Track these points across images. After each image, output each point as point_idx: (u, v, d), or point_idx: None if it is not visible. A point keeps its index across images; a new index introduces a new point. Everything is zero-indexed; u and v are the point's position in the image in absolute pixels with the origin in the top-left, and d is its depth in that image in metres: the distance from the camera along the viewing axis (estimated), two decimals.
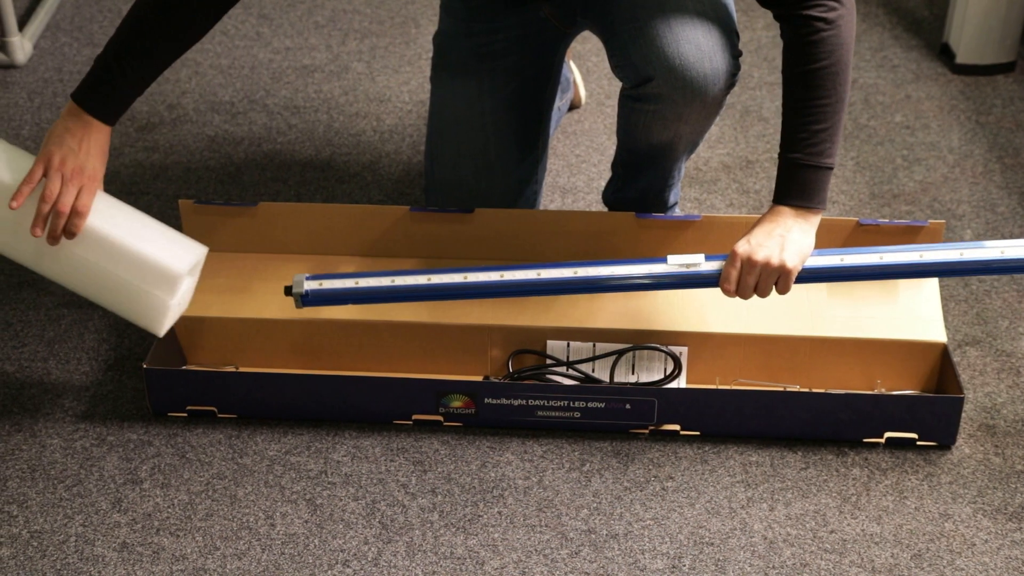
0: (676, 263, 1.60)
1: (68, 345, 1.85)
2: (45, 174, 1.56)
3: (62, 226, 1.55)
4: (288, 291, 1.65)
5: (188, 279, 1.66)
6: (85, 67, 2.48)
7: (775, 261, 1.56)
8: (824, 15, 1.54)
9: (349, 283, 1.64)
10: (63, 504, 1.61)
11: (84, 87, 1.61)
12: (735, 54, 1.68)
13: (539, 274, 1.62)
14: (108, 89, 1.60)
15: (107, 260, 1.62)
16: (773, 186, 2.14)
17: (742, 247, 1.57)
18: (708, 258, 1.60)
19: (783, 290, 1.59)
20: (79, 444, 1.69)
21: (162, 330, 1.66)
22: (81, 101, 1.60)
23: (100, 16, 2.67)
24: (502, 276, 1.62)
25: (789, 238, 1.57)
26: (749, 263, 1.57)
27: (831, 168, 1.59)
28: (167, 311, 1.64)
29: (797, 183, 1.58)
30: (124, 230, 1.63)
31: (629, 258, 1.63)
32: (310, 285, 1.65)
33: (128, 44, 1.61)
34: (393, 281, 1.63)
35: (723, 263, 1.59)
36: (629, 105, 1.75)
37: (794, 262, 1.57)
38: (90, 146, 1.59)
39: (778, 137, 2.26)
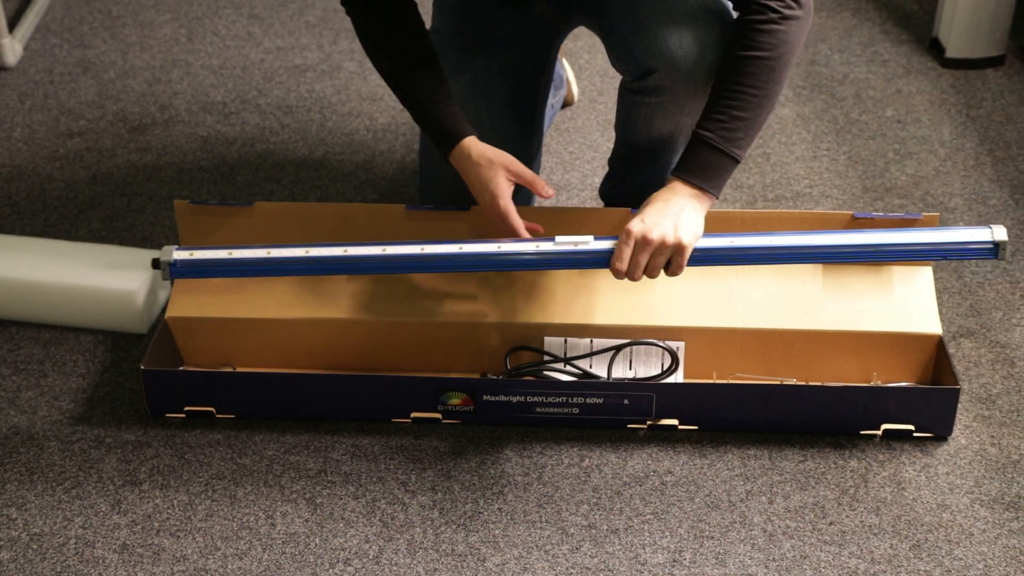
0: (565, 241, 1.58)
1: (64, 347, 1.85)
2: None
3: None
4: (156, 264, 1.62)
5: (146, 284, 1.84)
6: (76, 68, 2.49)
7: (670, 239, 1.53)
8: (782, 9, 1.55)
9: (222, 254, 1.61)
10: (62, 506, 1.61)
11: (448, 136, 1.66)
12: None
13: (423, 249, 1.60)
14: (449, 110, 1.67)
15: (64, 306, 1.84)
16: (764, 181, 2.16)
17: (636, 226, 1.54)
18: (597, 239, 1.58)
19: (675, 271, 1.56)
20: (77, 446, 1.69)
21: (146, 327, 1.84)
22: (456, 140, 1.65)
23: (90, 17, 2.66)
24: (384, 251, 1.60)
25: (683, 216, 1.54)
26: (644, 241, 1.53)
27: (737, 161, 1.57)
28: (140, 313, 1.82)
29: (701, 161, 1.56)
30: (63, 274, 1.84)
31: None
32: (180, 255, 1.61)
33: (411, 78, 1.67)
34: (269, 253, 1.60)
35: (614, 243, 1.56)
36: (630, 98, 1.75)
37: (689, 240, 1.54)
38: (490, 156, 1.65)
39: (771, 133, 2.29)
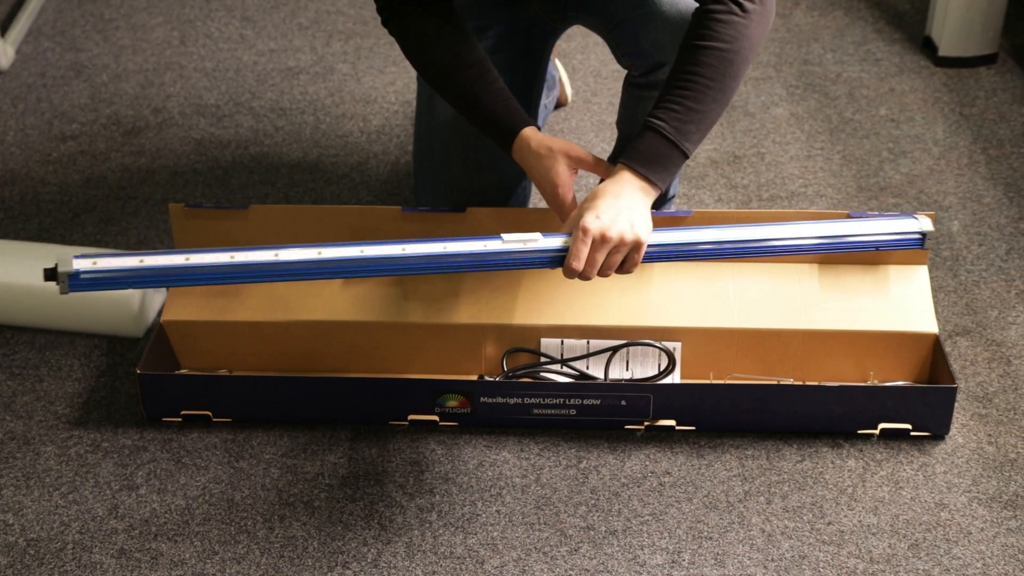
0: (513, 239, 1.49)
1: (60, 352, 1.85)
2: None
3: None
4: (51, 275, 1.36)
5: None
6: (69, 72, 2.48)
7: (629, 237, 1.47)
8: (743, 2, 1.51)
9: (132, 261, 1.38)
10: (59, 511, 1.60)
11: (507, 130, 1.62)
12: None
13: (362, 251, 1.46)
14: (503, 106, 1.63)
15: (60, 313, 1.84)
16: (759, 181, 2.16)
17: (593, 223, 1.46)
18: (547, 236, 1.50)
19: (630, 269, 1.50)
20: (74, 451, 1.69)
21: (141, 331, 1.84)
22: (515, 132, 1.61)
23: (82, 20, 2.66)
24: (319, 254, 1.45)
25: (635, 210, 1.49)
26: (602, 239, 1.46)
27: (686, 156, 1.52)
28: (136, 317, 1.82)
29: (652, 151, 1.50)
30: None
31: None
32: (81, 264, 1.36)
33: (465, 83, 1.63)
34: (188, 260, 1.39)
35: (566, 240, 1.49)
36: (637, 93, 1.74)
37: (646, 236, 1.48)
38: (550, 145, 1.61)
39: (765, 132, 2.29)
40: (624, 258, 1.49)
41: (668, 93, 1.52)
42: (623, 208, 1.48)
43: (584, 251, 1.47)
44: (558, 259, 1.50)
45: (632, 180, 1.50)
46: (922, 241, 1.63)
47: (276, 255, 1.43)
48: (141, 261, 1.38)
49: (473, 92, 1.62)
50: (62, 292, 1.37)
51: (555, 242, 1.50)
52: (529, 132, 1.61)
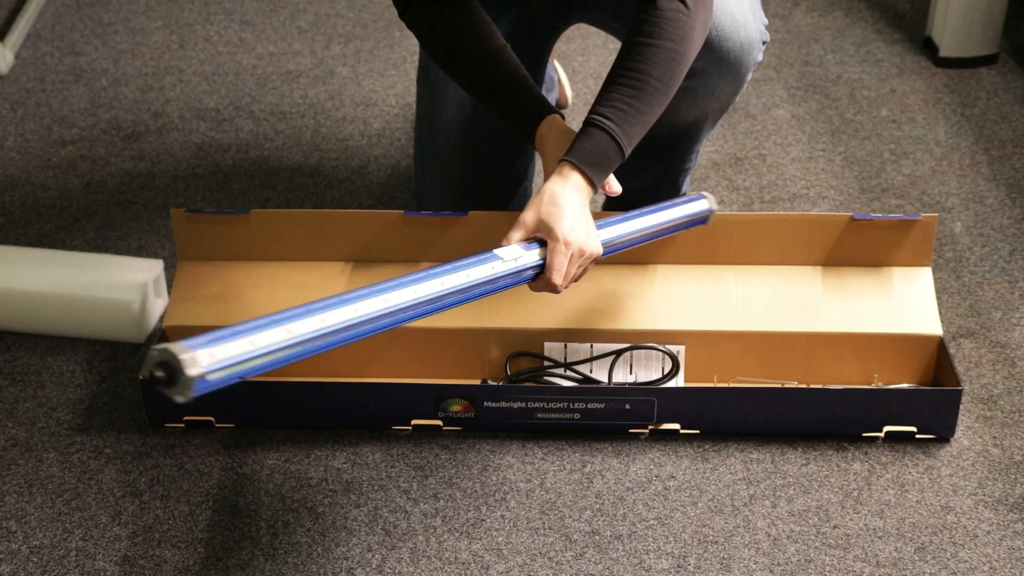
0: (508, 256, 1.43)
1: (61, 358, 1.84)
2: None
3: None
4: (160, 381, 1.13)
5: (142, 293, 1.84)
6: (68, 76, 2.47)
7: (596, 249, 1.46)
8: (687, 1, 1.49)
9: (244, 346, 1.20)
10: (62, 518, 1.59)
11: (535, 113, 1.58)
12: (763, 21, 1.67)
13: (356, 311, 1.29)
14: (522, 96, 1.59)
15: (66, 316, 1.84)
16: (760, 183, 2.16)
17: (571, 234, 1.43)
18: (526, 247, 1.45)
19: (580, 279, 1.50)
20: (76, 457, 1.68)
21: (143, 336, 1.85)
22: (531, 129, 1.58)
23: (81, 25, 2.65)
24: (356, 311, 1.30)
25: (590, 219, 1.47)
26: (579, 253, 1.44)
27: (623, 157, 1.48)
28: (137, 322, 1.83)
29: (598, 150, 1.46)
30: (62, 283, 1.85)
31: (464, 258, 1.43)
32: (201, 362, 1.14)
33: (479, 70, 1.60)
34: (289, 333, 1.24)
35: (540, 252, 1.44)
36: None
37: (600, 246, 1.48)
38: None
39: (767, 134, 2.29)
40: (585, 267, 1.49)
41: (614, 91, 1.48)
42: (585, 217, 1.47)
43: (566, 266, 1.44)
44: (536, 275, 1.46)
45: (582, 184, 1.47)
46: (708, 219, 1.68)
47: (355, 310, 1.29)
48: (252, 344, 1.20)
49: (498, 78, 1.59)
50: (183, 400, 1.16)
51: (534, 256, 1.46)
52: (552, 120, 1.58)
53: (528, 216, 1.47)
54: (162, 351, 1.13)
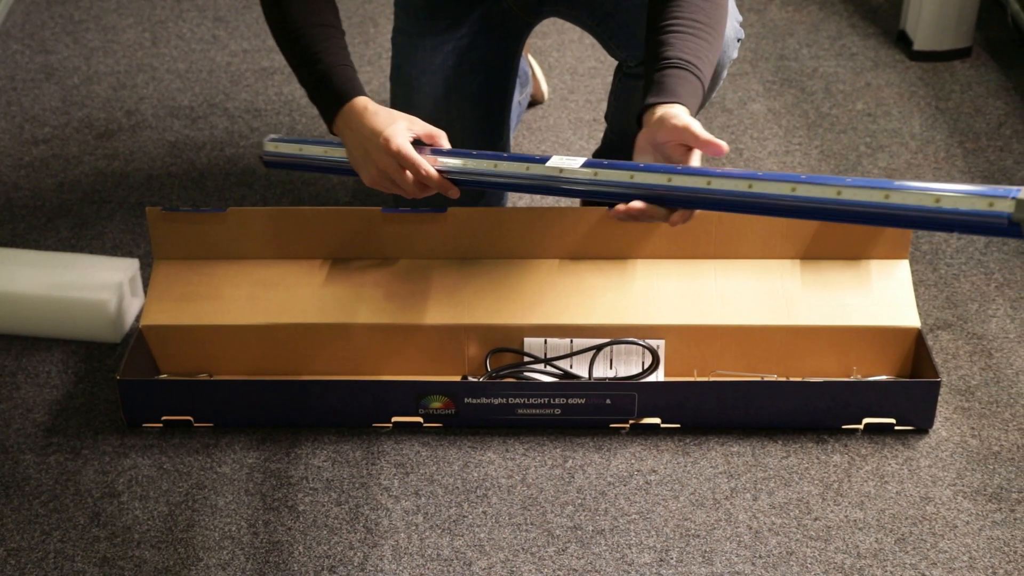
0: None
1: (36, 359, 1.82)
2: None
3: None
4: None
5: (118, 293, 1.83)
6: (39, 74, 2.45)
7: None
8: None
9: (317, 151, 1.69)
10: (40, 520, 1.58)
11: (341, 95, 1.55)
12: (737, 19, 1.67)
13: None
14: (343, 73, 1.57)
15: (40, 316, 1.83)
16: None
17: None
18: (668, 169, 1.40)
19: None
20: (53, 459, 1.67)
21: (119, 336, 1.84)
22: (352, 96, 1.54)
23: (51, 22, 2.63)
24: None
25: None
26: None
27: (704, 87, 1.47)
28: (113, 322, 1.82)
29: (694, 95, 1.44)
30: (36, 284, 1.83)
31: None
32: (270, 147, 1.74)
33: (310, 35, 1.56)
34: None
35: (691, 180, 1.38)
36: (632, 84, 1.73)
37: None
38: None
39: (743, 128, 2.29)
40: None
41: (685, 35, 1.46)
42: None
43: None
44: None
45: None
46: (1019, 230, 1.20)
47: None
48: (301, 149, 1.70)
49: (320, 49, 1.56)
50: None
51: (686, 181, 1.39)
52: (367, 100, 1.55)
53: (666, 130, 1.41)
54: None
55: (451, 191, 1.54)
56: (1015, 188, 1.19)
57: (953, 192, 1.24)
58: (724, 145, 1.36)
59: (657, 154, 1.42)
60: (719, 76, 1.70)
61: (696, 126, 1.38)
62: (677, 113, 1.40)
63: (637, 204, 1.38)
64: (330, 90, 1.56)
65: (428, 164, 1.52)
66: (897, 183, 1.28)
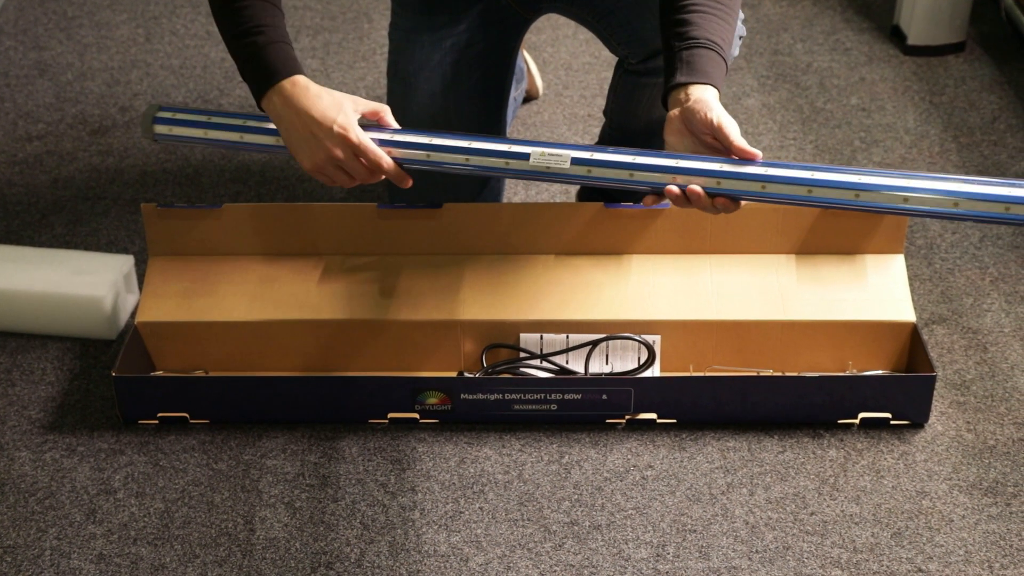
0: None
1: (32, 356, 1.82)
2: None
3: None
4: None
5: (113, 289, 1.82)
6: (32, 71, 2.45)
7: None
8: None
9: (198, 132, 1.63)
10: (35, 518, 1.58)
11: (279, 71, 1.50)
12: (739, 17, 1.67)
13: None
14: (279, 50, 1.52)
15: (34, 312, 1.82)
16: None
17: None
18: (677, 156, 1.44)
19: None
20: (49, 456, 1.66)
21: (114, 333, 1.83)
22: (291, 72, 1.49)
23: (45, 18, 2.62)
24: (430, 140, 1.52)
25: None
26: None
27: (727, 64, 1.49)
28: (109, 319, 1.81)
29: (719, 74, 1.45)
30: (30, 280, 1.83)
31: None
32: (160, 129, 1.65)
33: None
34: (242, 138, 1.60)
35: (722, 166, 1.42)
36: (633, 80, 1.73)
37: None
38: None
39: (738, 123, 2.28)
40: None
41: (704, 18, 1.46)
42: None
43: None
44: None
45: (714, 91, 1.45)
46: None
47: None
48: (206, 133, 1.62)
49: (260, 23, 1.52)
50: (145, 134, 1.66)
51: (716, 166, 1.43)
52: (307, 80, 1.51)
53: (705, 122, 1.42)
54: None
55: (405, 182, 1.52)
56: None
57: (972, 196, 1.34)
58: (758, 153, 1.39)
59: (691, 140, 1.44)
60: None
61: (733, 130, 1.40)
62: (709, 100, 1.41)
63: (696, 188, 1.40)
64: (264, 64, 1.51)
65: (386, 155, 1.49)
66: (916, 186, 1.36)
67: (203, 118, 1.64)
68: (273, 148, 1.59)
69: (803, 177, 1.40)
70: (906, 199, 1.36)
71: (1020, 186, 1.33)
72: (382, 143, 1.51)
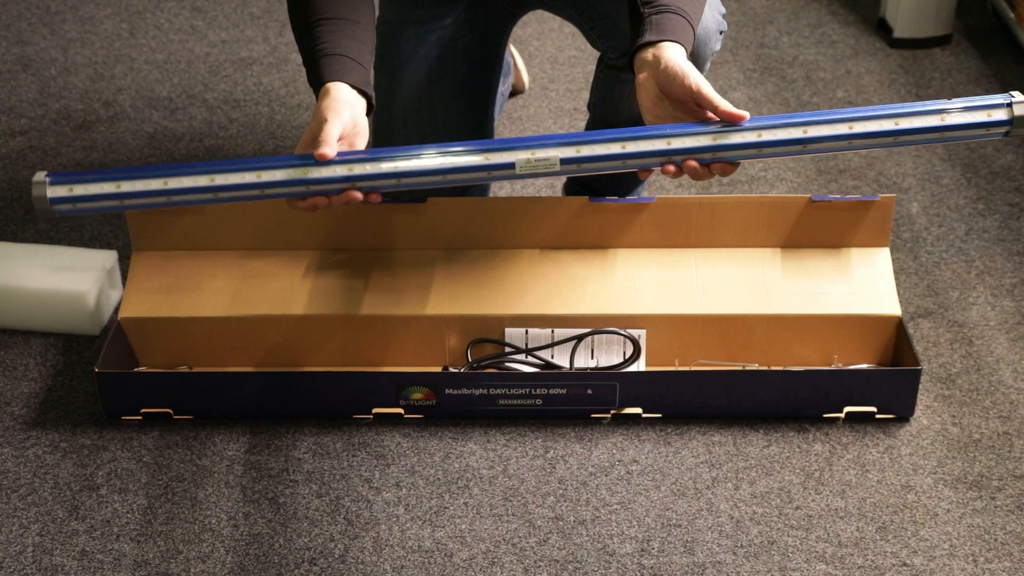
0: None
1: (14, 351, 1.81)
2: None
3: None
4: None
5: (97, 285, 1.81)
6: (16, 66, 2.43)
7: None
8: None
9: (109, 187, 1.39)
10: (18, 514, 1.57)
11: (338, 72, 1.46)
12: (720, 11, 1.67)
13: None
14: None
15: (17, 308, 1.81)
16: None
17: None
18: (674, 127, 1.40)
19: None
20: (31, 452, 1.65)
21: (98, 329, 1.82)
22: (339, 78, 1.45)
23: (28, 13, 2.61)
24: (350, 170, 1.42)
25: None
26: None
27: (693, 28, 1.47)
28: (92, 314, 1.80)
29: (689, 37, 1.44)
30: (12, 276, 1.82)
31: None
32: (57, 192, 1.37)
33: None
34: (166, 183, 1.39)
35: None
36: (614, 75, 1.73)
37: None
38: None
39: None
40: None
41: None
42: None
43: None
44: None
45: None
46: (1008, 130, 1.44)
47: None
48: (118, 187, 1.38)
49: (325, 40, 1.48)
50: (41, 214, 1.39)
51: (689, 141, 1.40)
52: (338, 85, 1.45)
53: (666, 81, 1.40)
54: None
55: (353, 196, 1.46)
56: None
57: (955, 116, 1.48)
58: (746, 114, 1.38)
59: (668, 104, 1.41)
60: (702, 68, 1.69)
61: (709, 90, 1.37)
62: (682, 63, 1.38)
63: (693, 163, 1.39)
64: (313, 77, 1.48)
65: (332, 149, 1.41)
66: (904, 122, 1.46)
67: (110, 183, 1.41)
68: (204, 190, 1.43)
69: (797, 123, 1.40)
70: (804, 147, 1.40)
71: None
72: (349, 163, 1.43)
